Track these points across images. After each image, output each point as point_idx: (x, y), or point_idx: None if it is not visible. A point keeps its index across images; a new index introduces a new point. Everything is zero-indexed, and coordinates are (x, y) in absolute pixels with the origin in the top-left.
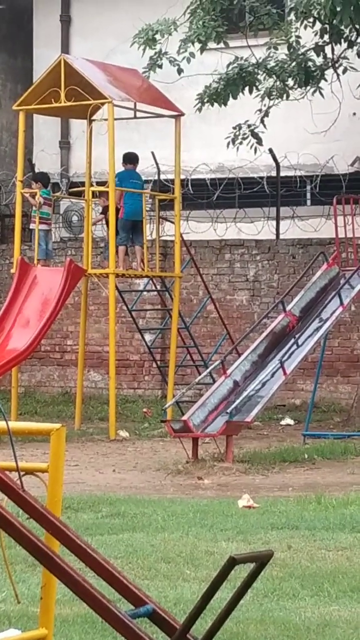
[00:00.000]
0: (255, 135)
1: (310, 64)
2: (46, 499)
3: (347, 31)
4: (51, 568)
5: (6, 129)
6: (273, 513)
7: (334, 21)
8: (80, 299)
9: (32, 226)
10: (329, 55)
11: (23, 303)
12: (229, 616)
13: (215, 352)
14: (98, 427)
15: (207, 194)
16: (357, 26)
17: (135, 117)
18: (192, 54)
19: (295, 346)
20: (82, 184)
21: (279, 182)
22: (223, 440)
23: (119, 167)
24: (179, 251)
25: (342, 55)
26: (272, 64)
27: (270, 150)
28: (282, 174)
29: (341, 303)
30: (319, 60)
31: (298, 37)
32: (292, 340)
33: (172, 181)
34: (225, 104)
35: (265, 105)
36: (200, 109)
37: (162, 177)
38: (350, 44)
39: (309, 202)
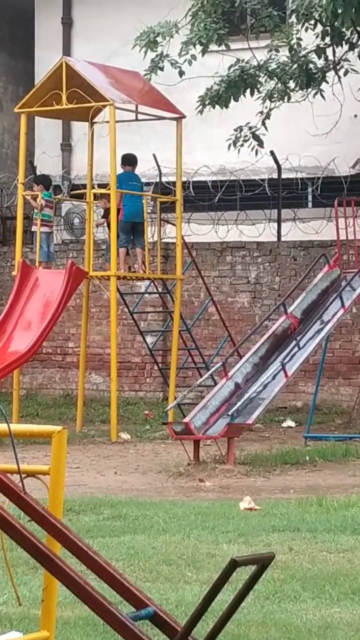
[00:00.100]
0: (256, 137)
1: (311, 66)
2: (47, 501)
3: (348, 33)
4: (52, 570)
5: (8, 131)
6: (274, 515)
7: (335, 23)
8: (81, 301)
9: (33, 229)
10: (330, 57)
11: (25, 305)
12: (230, 618)
13: (216, 354)
14: (99, 430)
15: (209, 196)
16: (359, 28)
17: (136, 120)
18: (194, 57)
19: (296, 348)
20: (84, 186)
21: (280, 184)
22: (224, 443)
23: (120, 170)
24: (180, 253)
25: (344, 57)
26: (273, 66)
27: (272, 153)
28: (284, 176)
29: (342, 305)
30: (320, 63)
31: (299, 39)
32: (294, 343)
33: (174, 183)
34: (227, 106)
35: (266, 107)
36: (201, 112)
37: (164, 179)
38: (352, 46)
39: (310, 204)
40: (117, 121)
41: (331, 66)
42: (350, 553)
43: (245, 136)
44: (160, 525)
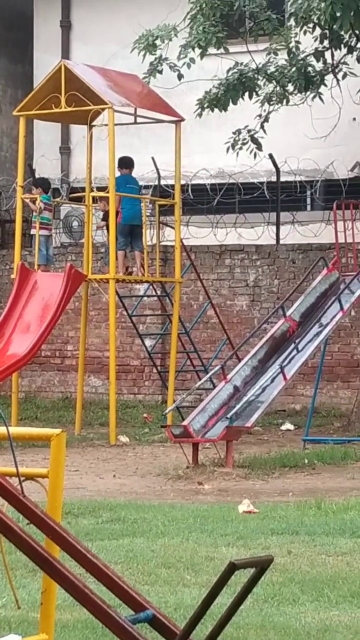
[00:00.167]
0: (255, 140)
1: (310, 69)
2: (46, 504)
3: (346, 36)
4: (51, 573)
5: (6, 134)
6: (273, 518)
7: (334, 26)
8: (80, 304)
9: (32, 232)
10: (329, 60)
11: (23, 308)
12: (229, 621)
13: (215, 357)
14: (98, 433)
15: (208, 199)
16: (357, 31)
17: (135, 123)
18: (192, 60)
19: (295, 351)
20: (83, 189)
21: (279, 187)
22: (223, 446)
23: (118, 173)
24: (179, 256)
25: (342, 60)
26: (272, 69)
27: (271, 156)
28: (282, 179)
29: (341, 308)
30: (319, 66)
31: (298, 42)
32: (292, 346)
33: (173, 186)
34: (226, 110)
35: (265, 110)
36: (200, 115)
37: (163, 182)
38: (350, 50)
39: (309, 207)
40: (116, 124)
41: (330, 69)
42: (349, 556)
43: (244, 139)
44: (159, 528)
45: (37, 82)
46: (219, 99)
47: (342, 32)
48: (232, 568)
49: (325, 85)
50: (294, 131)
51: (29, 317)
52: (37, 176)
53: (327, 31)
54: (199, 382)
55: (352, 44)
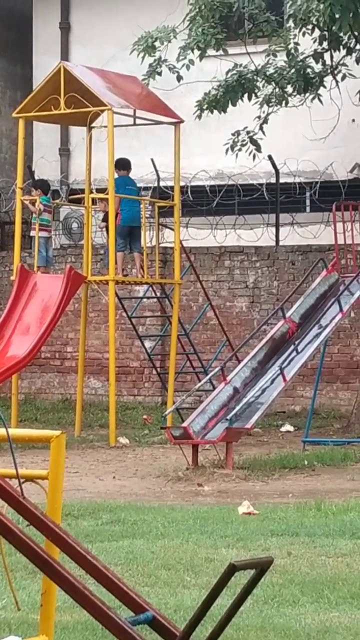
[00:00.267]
0: (254, 142)
1: (309, 70)
2: (46, 506)
3: (345, 38)
4: (51, 575)
5: (6, 136)
6: (273, 520)
7: (333, 28)
8: (80, 305)
9: (32, 233)
10: (328, 62)
11: (23, 310)
12: (229, 623)
13: (215, 358)
14: (98, 434)
15: (207, 201)
16: (356, 33)
17: (134, 124)
18: (192, 61)
19: (294, 353)
20: (82, 191)
21: (278, 188)
22: (223, 447)
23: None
24: (178, 258)
25: (341, 62)
26: (271, 70)
27: (270, 157)
28: (282, 180)
29: (341, 309)
30: (318, 67)
31: (297, 44)
32: (292, 347)
33: (172, 188)
34: (225, 111)
35: (264, 112)
36: (199, 116)
37: (162, 184)
38: (349, 51)
39: (308, 208)
40: (115, 126)
41: (329, 71)
42: (349, 557)
43: (243, 141)
44: (158, 530)
45: (36, 83)
46: (218, 101)
47: (341, 34)
48: (232, 569)
49: (325, 87)
50: (293, 133)
51: (29, 319)
52: (36, 178)
53: (326, 33)
54: (198, 383)
55: (351, 45)
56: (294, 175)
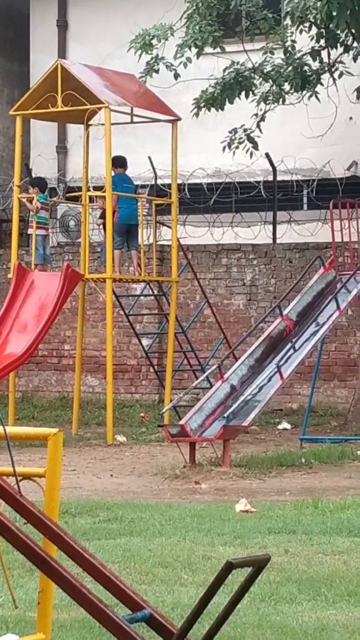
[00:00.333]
0: (251, 139)
1: (306, 68)
2: (43, 503)
3: (343, 35)
4: (48, 573)
5: (3, 133)
6: (270, 517)
7: (330, 25)
8: (77, 303)
9: (29, 231)
10: (325, 59)
11: (20, 308)
12: (226, 620)
13: (212, 356)
14: (95, 432)
15: (204, 199)
16: (353, 30)
17: (132, 122)
18: (189, 59)
19: (292, 350)
20: (79, 188)
21: (275, 186)
22: (220, 445)
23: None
24: (175, 256)
25: (338, 59)
26: (268, 68)
27: (267, 155)
28: (279, 178)
29: (338, 307)
30: (315, 65)
31: (294, 41)
32: (289, 345)
33: (169, 186)
34: (222, 109)
35: (261, 109)
36: (197, 114)
37: (159, 181)
38: (346, 49)
39: (305, 206)
40: (113, 124)
41: (326, 68)
42: (346, 555)
43: (240, 138)
44: (156, 528)
45: (33, 81)
46: (216, 98)
47: (339, 31)
48: (229, 567)
49: (322, 85)
50: (291, 130)
51: (26, 317)
52: (33, 176)
53: (323, 30)
54: (195, 381)
55: (349, 43)
56: (291, 173)
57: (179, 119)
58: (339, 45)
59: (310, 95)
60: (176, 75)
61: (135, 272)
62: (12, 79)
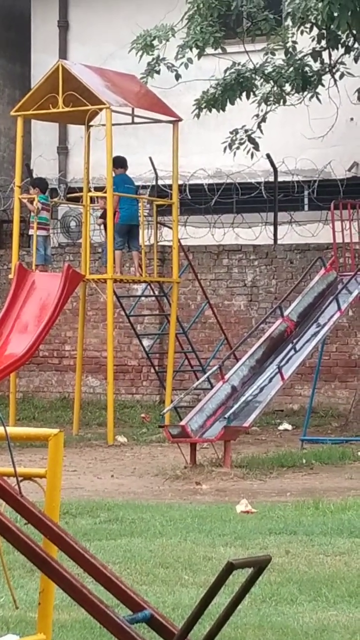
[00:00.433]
0: (252, 140)
1: (307, 69)
2: (44, 504)
3: (344, 36)
4: (49, 573)
5: (4, 134)
6: (271, 518)
7: (331, 26)
8: (78, 304)
9: (30, 232)
10: (326, 60)
11: (21, 308)
12: (227, 621)
13: (213, 357)
14: (96, 433)
15: (205, 200)
16: (354, 31)
17: (133, 123)
18: (190, 60)
19: (293, 351)
20: (80, 189)
21: (276, 187)
22: (221, 446)
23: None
24: (176, 256)
25: (339, 60)
26: (269, 69)
27: (268, 156)
28: (280, 179)
29: (339, 308)
30: (316, 66)
31: (295, 42)
32: (290, 346)
33: (170, 186)
34: (223, 110)
35: (262, 110)
36: (198, 115)
37: (160, 182)
38: (348, 50)
39: (306, 207)
40: (114, 124)
41: (327, 69)
42: (347, 556)
43: (241, 139)
44: (156, 528)
45: (34, 82)
46: (217, 99)
47: (340, 32)
48: (230, 568)
49: (323, 85)
50: (292, 131)
51: (27, 317)
52: (34, 176)
53: (324, 31)
54: (196, 382)
55: (350, 44)
56: (292, 173)
57: (180, 119)
58: (340, 46)
59: (311, 96)
60: (177, 76)
61: (136, 272)
62: (13, 80)
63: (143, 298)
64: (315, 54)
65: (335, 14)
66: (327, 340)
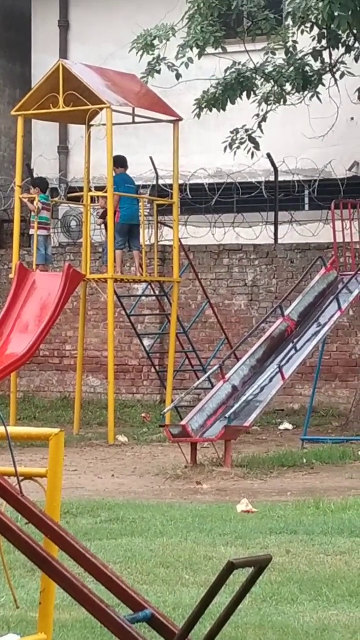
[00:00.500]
0: (252, 139)
1: (307, 68)
2: (45, 503)
3: (344, 36)
4: (50, 573)
5: (5, 134)
6: (271, 518)
7: (332, 26)
8: (78, 303)
9: (31, 231)
10: (327, 60)
11: (22, 308)
12: (227, 621)
13: (213, 356)
14: (97, 432)
15: (206, 199)
16: (355, 31)
17: (133, 122)
18: (190, 59)
19: (293, 351)
20: (81, 189)
21: (277, 186)
22: (221, 445)
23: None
24: (177, 256)
25: (340, 60)
26: (269, 68)
27: (268, 155)
28: (280, 178)
29: (339, 307)
30: (317, 65)
31: (295, 41)
32: (291, 345)
33: (171, 186)
34: (224, 109)
35: (262, 110)
36: (198, 115)
37: (161, 182)
38: (348, 49)
39: (307, 206)
40: (114, 124)
41: (327, 69)
42: (347, 555)
43: (242, 139)
44: (157, 528)
45: (35, 81)
46: (217, 99)
47: (340, 32)
48: (230, 567)
49: (323, 85)
50: (292, 131)
51: (27, 317)
52: (35, 176)
53: (324, 30)
54: (197, 381)
55: (350, 43)
56: (292, 173)
57: (181, 119)
58: (340, 45)
59: (312, 96)
60: (177, 76)
61: (137, 272)
62: (13, 80)
63: (143, 297)
64: (316, 54)
65: (336, 14)
66: (327, 340)
